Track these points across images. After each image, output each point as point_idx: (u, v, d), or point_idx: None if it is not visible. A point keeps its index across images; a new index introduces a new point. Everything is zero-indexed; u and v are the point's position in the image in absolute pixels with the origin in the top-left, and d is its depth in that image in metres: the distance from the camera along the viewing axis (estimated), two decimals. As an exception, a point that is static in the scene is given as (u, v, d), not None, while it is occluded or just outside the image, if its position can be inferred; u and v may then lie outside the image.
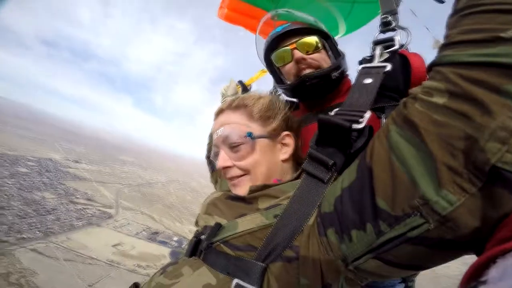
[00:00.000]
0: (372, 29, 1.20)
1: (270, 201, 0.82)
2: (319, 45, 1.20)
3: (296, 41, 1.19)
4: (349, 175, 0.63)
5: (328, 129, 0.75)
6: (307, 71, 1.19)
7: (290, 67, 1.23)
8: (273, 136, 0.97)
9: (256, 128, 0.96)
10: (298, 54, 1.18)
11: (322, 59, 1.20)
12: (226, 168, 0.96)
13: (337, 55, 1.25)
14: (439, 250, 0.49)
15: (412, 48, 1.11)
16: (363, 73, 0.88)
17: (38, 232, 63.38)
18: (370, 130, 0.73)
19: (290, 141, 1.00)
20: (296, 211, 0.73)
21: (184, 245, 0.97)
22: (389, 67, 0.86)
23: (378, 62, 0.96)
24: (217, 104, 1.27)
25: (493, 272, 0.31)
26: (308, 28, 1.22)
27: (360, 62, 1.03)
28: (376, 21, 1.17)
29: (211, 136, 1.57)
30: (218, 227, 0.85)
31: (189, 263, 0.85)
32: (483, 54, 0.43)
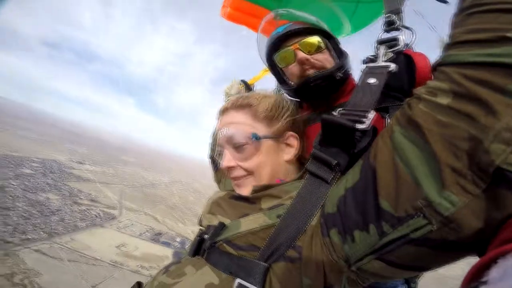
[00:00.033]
0: (375, 29, 1.21)
1: (273, 201, 0.83)
2: (322, 45, 1.18)
3: (299, 42, 1.18)
4: (353, 175, 0.63)
5: (331, 129, 0.74)
6: (311, 72, 1.17)
7: (293, 68, 1.22)
8: (277, 136, 0.97)
9: (261, 129, 0.95)
10: (301, 54, 1.17)
11: (326, 59, 1.19)
12: (230, 168, 0.96)
13: (340, 54, 1.24)
14: (442, 251, 0.49)
15: (417, 48, 1.09)
16: (367, 73, 0.88)
17: (42, 232, 63.67)
18: (374, 130, 0.72)
19: (294, 141, 1.00)
20: (299, 211, 0.73)
21: (187, 246, 0.97)
22: (393, 66, 0.85)
23: (382, 61, 0.95)
24: (219, 104, 1.26)
25: (494, 273, 0.32)
26: (310, 28, 1.20)
27: (364, 62, 1.02)
28: (379, 21, 1.14)
29: (214, 135, 1.57)
30: (222, 226, 0.85)
31: (192, 263, 0.85)
32: (488, 54, 0.43)
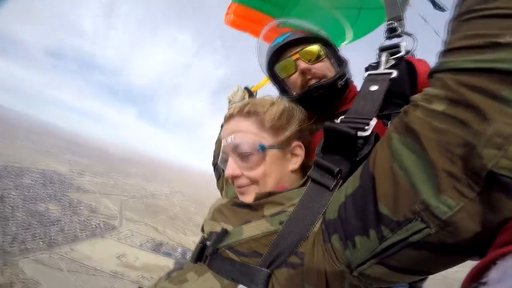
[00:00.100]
0: (378, 35, 1.20)
1: (275, 207, 0.82)
2: (322, 53, 1.16)
3: (299, 51, 1.16)
4: (353, 182, 0.64)
5: (333, 137, 0.75)
6: (313, 81, 1.16)
7: (295, 78, 1.20)
8: (283, 146, 0.95)
9: (267, 138, 0.93)
10: (302, 65, 1.15)
11: (327, 68, 1.17)
12: (235, 177, 0.95)
13: (340, 62, 1.22)
14: (442, 255, 0.50)
15: (419, 54, 1.11)
16: (369, 80, 0.88)
17: (41, 242, 63.00)
18: (376, 137, 0.73)
19: (300, 151, 0.99)
20: (301, 217, 0.73)
21: (188, 257, 0.97)
22: (395, 73, 0.86)
23: (384, 68, 0.95)
24: (220, 115, 1.26)
25: (493, 274, 0.32)
26: (309, 37, 1.20)
27: (366, 69, 1.01)
28: (382, 27, 1.16)
29: (218, 142, 1.57)
30: (224, 233, 0.84)
31: (194, 269, 0.85)
32: (481, 60, 0.43)
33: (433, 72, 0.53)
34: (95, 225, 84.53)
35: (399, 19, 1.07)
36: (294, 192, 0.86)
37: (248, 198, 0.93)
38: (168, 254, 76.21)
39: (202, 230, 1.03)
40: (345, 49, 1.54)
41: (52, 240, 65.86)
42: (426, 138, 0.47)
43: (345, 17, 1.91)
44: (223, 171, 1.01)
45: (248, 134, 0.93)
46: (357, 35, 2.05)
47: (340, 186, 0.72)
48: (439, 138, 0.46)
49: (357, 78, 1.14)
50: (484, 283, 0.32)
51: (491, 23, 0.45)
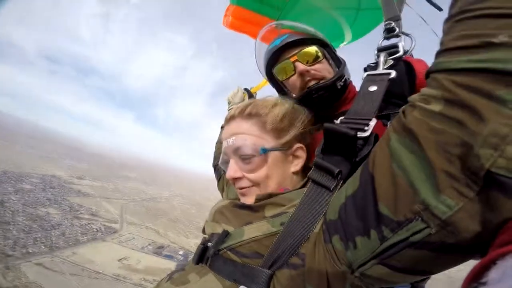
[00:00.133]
0: (376, 36, 1.20)
1: (276, 209, 0.82)
2: (320, 54, 1.17)
3: (297, 53, 1.17)
4: (353, 183, 0.64)
5: (333, 138, 0.75)
6: (312, 83, 1.16)
7: (294, 80, 1.20)
8: (285, 148, 0.95)
9: (269, 140, 0.93)
10: (301, 66, 1.16)
11: (325, 69, 1.17)
12: (236, 179, 0.95)
13: (338, 63, 1.23)
14: (443, 254, 0.50)
15: (417, 54, 1.11)
16: (368, 81, 0.88)
17: (43, 246, 63.01)
18: (376, 138, 0.73)
19: (302, 153, 0.98)
20: (302, 218, 0.73)
21: (190, 259, 0.97)
22: (393, 74, 0.85)
23: (383, 69, 0.95)
24: (218, 118, 1.27)
25: (493, 274, 0.32)
26: (306, 38, 1.20)
27: (365, 70, 1.01)
28: (380, 28, 1.16)
29: (219, 143, 1.58)
30: (226, 234, 0.84)
31: (195, 270, 0.85)
32: (475, 60, 0.44)
33: (429, 73, 0.53)
34: (96, 228, 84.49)
35: (397, 19, 1.07)
36: (294, 193, 0.86)
37: (249, 199, 0.93)
38: (170, 257, 76.18)
39: (204, 231, 1.03)
40: (344, 50, 1.54)
41: (54, 244, 65.84)
42: (424, 139, 0.48)
43: (343, 18, 1.93)
44: (224, 172, 1.00)
45: (249, 136, 0.93)
46: (356, 36, 2.07)
47: (341, 187, 0.72)
48: (437, 138, 0.46)
49: (357, 78, 1.13)
50: (484, 283, 0.32)
51: (484, 23, 0.45)
